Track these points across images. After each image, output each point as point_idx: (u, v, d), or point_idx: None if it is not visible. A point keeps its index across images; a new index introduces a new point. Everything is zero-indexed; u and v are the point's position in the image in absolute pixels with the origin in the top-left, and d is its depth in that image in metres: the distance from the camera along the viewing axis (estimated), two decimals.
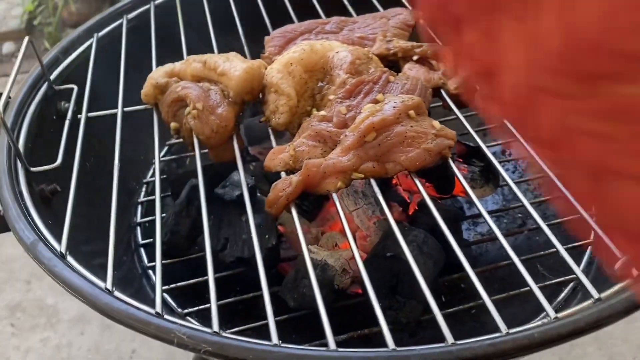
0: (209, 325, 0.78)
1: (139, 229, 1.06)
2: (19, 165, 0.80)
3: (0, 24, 3.49)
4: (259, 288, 0.92)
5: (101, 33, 1.10)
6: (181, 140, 1.04)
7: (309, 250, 0.88)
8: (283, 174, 0.76)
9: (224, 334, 0.58)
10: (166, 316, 0.60)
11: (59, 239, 0.70)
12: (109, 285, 0.62)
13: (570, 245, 0.95)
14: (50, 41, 3.37)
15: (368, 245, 0.91)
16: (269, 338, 0.59)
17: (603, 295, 0.60)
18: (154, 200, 1.10)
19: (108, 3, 3.39)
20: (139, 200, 1.12)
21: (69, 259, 0.67)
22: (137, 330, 0.58)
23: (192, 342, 0.55)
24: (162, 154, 1.22)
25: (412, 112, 0.76)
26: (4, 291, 2.13)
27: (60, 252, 0.67)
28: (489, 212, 1.09)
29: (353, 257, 0.86)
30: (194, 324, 0.74)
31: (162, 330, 0.57)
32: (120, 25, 1.12)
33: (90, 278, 0.64)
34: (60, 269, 0.63)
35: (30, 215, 0.73)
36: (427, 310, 0.83)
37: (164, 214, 1.04)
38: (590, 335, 0.58)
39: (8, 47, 3.42)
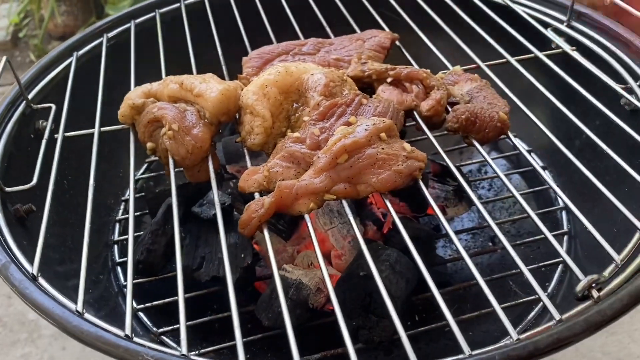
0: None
1: (116, 247, 1.06)
2: None
3: None
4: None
5: (81, 51, 1.11)
6: (151, 154, 1.05)
7: (284, 269, 0.89)
8: (257, 195, 0.77)
9: (192, 357, 0.59)
10: (135, 338, 0.61)
11: (31, 260, 0.71)
12: (79, 307, 0.63)
13: (542, 264, 0.98)
14: (36, 54, 3.37)
15: (343, 263, 0.92)
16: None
17: (565, 316, 0.61)
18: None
19: (94, 16, 3.40)
20: (117, 218, 1.12)
21: (41, 280, 0.67)
22: (106, 352, 0.59)
23: None
24: (141, 171, 1.23)
25: (383, 135, 0.78)
26: None
27: (32, 274, 0.67)
28: (465, 230, 1.11)
29: (330, 276, 0.88)
30: (166, 344, 0.74)
31: (130, 353, 0.57)
32: (101, 44, 1.13)
33: (61, 300, 0.65)
34: (30, 292, 0.64)
35: (3, 236, 0.73)
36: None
37: (141, 232, 1.05)
38: (570, 348, 0.59)
39: None
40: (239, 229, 0.75)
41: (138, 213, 1.10)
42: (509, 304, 0.88)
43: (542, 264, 0.96)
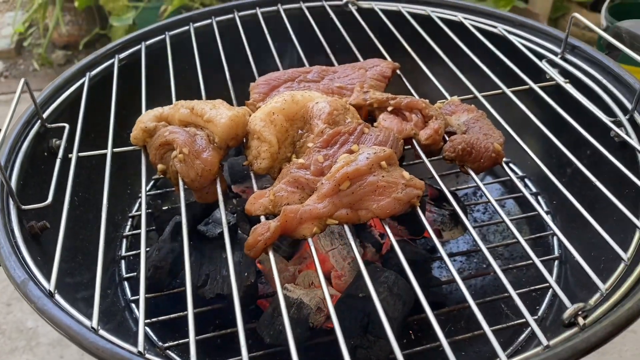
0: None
1: (123, 262, 1.09)
2: (11, 203, 0.84)
3: None
4: (235, 324, 0.97)
5: (93, 72, 1.15)
6: (162, 176, 1.09)
7: (286, 289, 0.92)
8: (263, 218, 0.81)
9: None
10: (147, 355, 0.64)
11: (47, 276, 0.74)
12: (94, 324, 0.66)
13: (532, 288, 1.01)
14: (39, 62, 3.41)
15: (343, 284, 0.96)
16: None
17: (552, 342, 0.65)
18: (139, 234, 1.14)
19: (98, 26, 3.44)
20: (124, 233, 1.15)
21: (57, 297, 0.71)
22: None
23: None
24: (147, 187, 1.26)
25: (383, 163, 0.82)
26: None
27: (49, 290, 0.71)
28: (459, 253, 1.15)
29: (330, 296, 0.91)
30: (172, 359, 0.78)
31: None
32: (112, 64, 1.17)
33: (77, 316, 0.68)
34: (49, 308, 0.67)
35: (20, 252, 0.77)
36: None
37: (147, 249, 1.08)
38: None
39: None
40: (245, 250, 0.79)
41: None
42: (499, 326, 0.92)
43: (532, 287, 1.00)
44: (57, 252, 0.75)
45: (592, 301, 0.69)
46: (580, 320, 0.67)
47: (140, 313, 0.68)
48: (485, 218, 1.24)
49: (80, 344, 0.64)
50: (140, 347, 0.64)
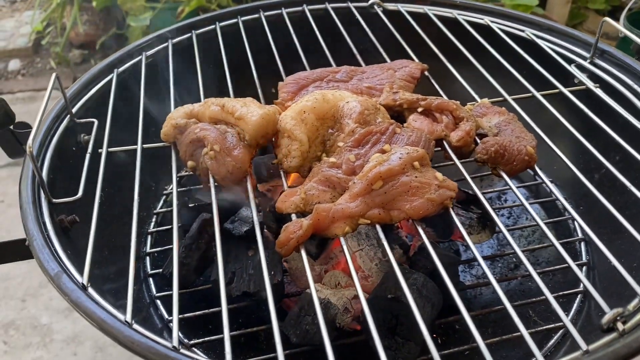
0: (216, 357, 0.82)
1: (148, 258, 1.09)
2: (42, 196, 0.84)
3: (8, 42, 3.56)
4: (262, 322, 0.96)
5: (121, 68, 1.15)
6: (191, 172, 1.09)
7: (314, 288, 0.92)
8: (294, 216, 0.81)
9: None
10: (182, 350, 0.64)
11: (79, 269, 0.74)
12: (128, 318, 0.66)
13: (560, 293, 1.00)
14: (56, 61, 3.44)
15: (369, 285, 0.95)
16: None
17: (591, 347, 0.64)
18: (163, 231, 1.15)
19: (115, 27, 3.46)
20: (149, 230, 1.15)
21: (90, 290, 0.70)
22: None
23: None
24: (172, 186, 1.26)
25: (416, 163, 0.82)
26: None
27: (82, 283, 0.70)
28: (484, 257, 1.14)
29: (355, 297, 0.91)
30: (203, 356, 0.77)
31: None
32: (140, 61, 1.17)
33: (110, 310, 0.68)
34: (83, 301, 0.67)
35: (53, 245, 0.77)
36: (424, 351, 0.87)
37: (171, 246, 1.08)
38: None
39: (14, 64, 3.48)
40: (276, 248, 0.79)
41: (169, 226, 1.14)
42: (531, 330, 0.91)
43: (561, 293, 0.99)
44: (90, 245, 0.75)
45: (630, 307, 0.68)
46: (620, 326, 0.66)
47: (174, 308, 0.67)
48: (510, 222, 1.23)
49: (115, 338, 0.63)
50: (175, 342, 0.63)
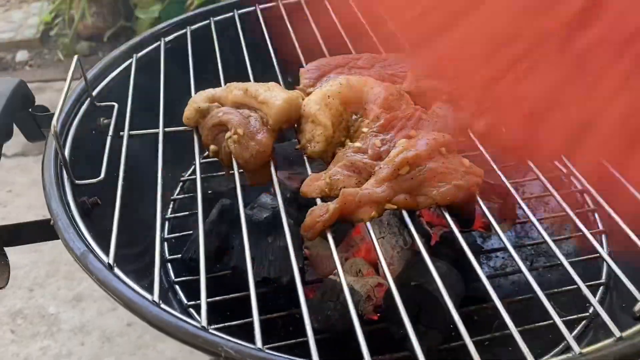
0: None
1: (166, 244, 1.09)
2: (65, 177, 0.84)
3: (16, 33, 3.55)
4: (280, 309, 0.96)
5: (140, 53, 1.15)
6: (208, 160, 1.08)
7: (335, 274, 0.91)
8: (318, 201, 0.80)
9: (267, 351, 0.61)
10: (211, 330, 0.63)
11: (104, 249, 0.74)
12: (156, 297, 0.66)
13: (587, 284, 1.00)
14: (64, 52, 3.43)
15: (391, 273, 0.94)
16: (300, 356, 0.63)
17: (625, 334, 0.64)
18: (181, 217, 1.14)
19: (123, 19, 3.46)
20: (167, 216, 1.15)
21: (116, 270, 0.70)
22: (185, 342, 0.61)
23: (239, 356, 0.58)
24: (188, 172, 1.26)
25: (443, 149, 0.81)
26: (6, 297, 2.15)
27: (108, 263, 0.70)
28: (499, 249, 1.14)
29: (378, 285, 0.90)
30: (231, 338, 0.77)
31: (209, 343, 0.60)
32: (159, 47, 1.17)
33: (137, 289, 0.67)
34: (110, 280, 0.66)
35: (78, 226, 0.76)
36: (446, 339, 0.87)
37: (190, 232, 1.08)
38: None
39: (22, 55, 3.48)
40: (301, 231, 0.78)
41: (186, 213, 1.14)
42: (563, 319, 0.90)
43: (587, 283, 0.98)
44: (115, 226, 0.75)
45: None
46: None
47: (201, 288, 0.67)
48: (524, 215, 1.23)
49: (144, 317, 0.63)
50: (204, 322, 0.63)
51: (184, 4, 2.98)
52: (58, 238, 0.74)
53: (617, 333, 0.63)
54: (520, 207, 0.83)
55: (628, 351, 0.59)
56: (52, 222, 0.75)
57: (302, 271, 0.93)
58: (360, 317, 0.91)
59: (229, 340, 0.60)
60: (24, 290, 2.13)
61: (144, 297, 0.66)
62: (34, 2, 3.87)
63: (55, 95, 2.88)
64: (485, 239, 1.17)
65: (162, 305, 0.65)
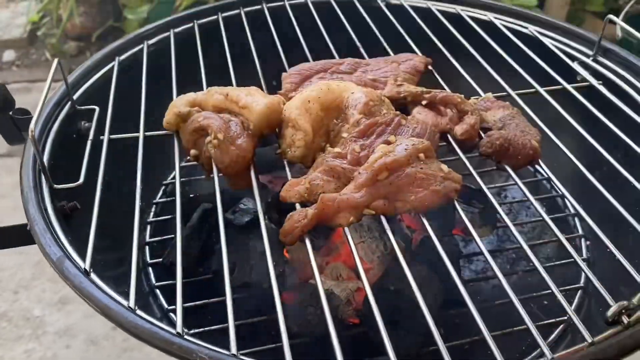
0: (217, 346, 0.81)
1: (147, 248, 1.08)
2: (44, 182, 0.83)
3: (3, 32, 3.52)
4: (260, 314, 0.96)
5: (122, 56, 1.14)
6: (191, 162, 1.08)
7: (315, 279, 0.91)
8: (297, 206, 0.80)
9: (241, 357, 0.61)
10: (186, 336, 0.63)
11: (81, 255, 0.73)
12: (131, 303, 0.65)
13: (561, 288, 1.00)
14: (52, 52, 3.40)
15: (371, 278, 0.95)
16: None
17: (596, 339, 0.64)
18: (162, 221, 1.14)
19: (112, 18, 3.44)
20: (148, 220, 1.15)
21: (93, 276, 0.70)
22: (160, 349, 0.61)
23: None
24: (171, 176, 1.26)
25: (422, 155, 0.81)
26: None
27: (85, 269, 0.70)
28: (480, 253, 1.14)
29: (358, 289, 0.90)
30: (206, 344, 0.77)
31: (184, 350, 0.60)
32: (141, 50, 1.16)
33: (113, 295, 0.67)
34: (86, 286, 0.66)
35: (55, 231, 0.76)
36: (425, 343, 0.87)
37: (171, 235, 1.08)
38: None
39: (9, 55, 3.45)
40: (280, 237, 0.78)
41: (168, 216, 1.13)
42: (537, 323, 0.91)
43: (561, 289, 0.99)
44: (92, 231, 0.75)
45: (635, 300, 0.68)
46: (624, 319, 0.66)
47: (177, 294, 0.67)
48: (510, 219, 1.23)
49: (119, 323, 0.63)
50: (179, 329, 0.63)
51: (173, 4, 2.97)
52: (34, 243, 0.73)
53: (588, 338, 0.64)
54: (498, 213, 0.84)
55: (599, 357, 0.60)
56: (28, 227, 0.74)
57: (282, 276, 0.93)
58: (340, 321, 0.91)
59: (204, 347, 0.60)
60: (9, 293, 2.11)
61: (119, 303, 0.65)
62: (21, 1, 3.83)
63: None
64: (467, 243, 1.18)
65: (138, 312, 0.65)
